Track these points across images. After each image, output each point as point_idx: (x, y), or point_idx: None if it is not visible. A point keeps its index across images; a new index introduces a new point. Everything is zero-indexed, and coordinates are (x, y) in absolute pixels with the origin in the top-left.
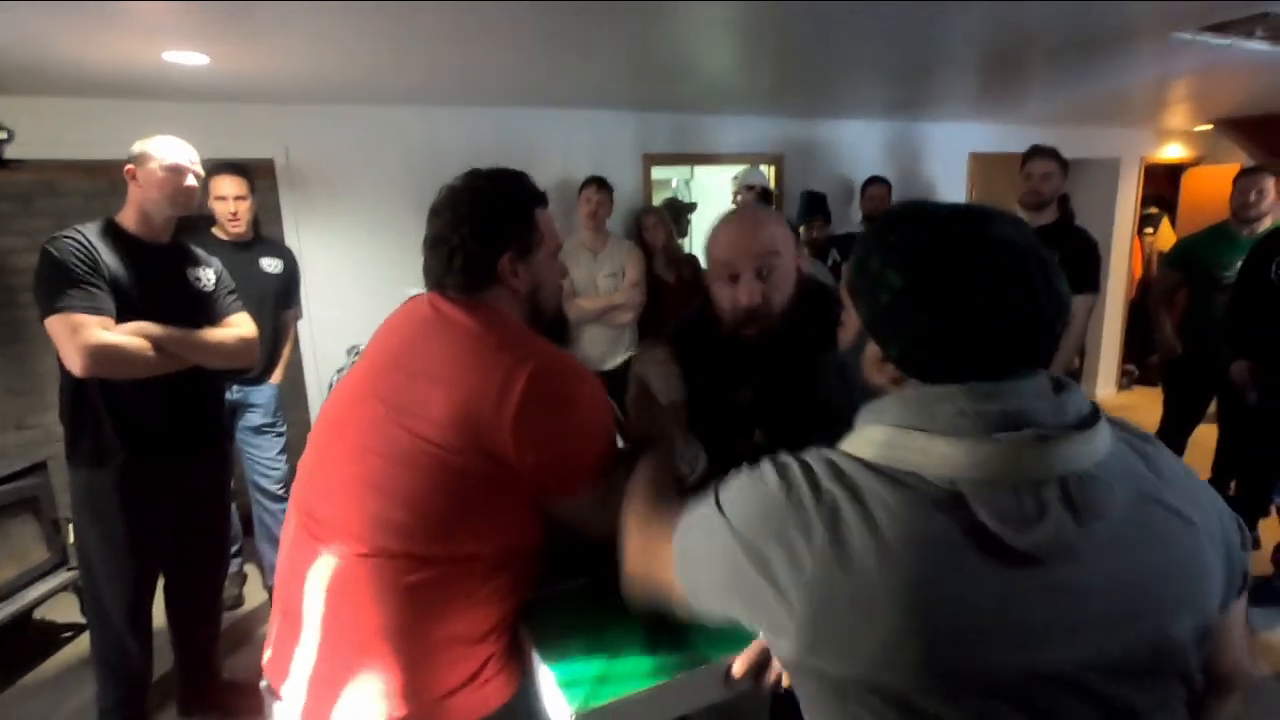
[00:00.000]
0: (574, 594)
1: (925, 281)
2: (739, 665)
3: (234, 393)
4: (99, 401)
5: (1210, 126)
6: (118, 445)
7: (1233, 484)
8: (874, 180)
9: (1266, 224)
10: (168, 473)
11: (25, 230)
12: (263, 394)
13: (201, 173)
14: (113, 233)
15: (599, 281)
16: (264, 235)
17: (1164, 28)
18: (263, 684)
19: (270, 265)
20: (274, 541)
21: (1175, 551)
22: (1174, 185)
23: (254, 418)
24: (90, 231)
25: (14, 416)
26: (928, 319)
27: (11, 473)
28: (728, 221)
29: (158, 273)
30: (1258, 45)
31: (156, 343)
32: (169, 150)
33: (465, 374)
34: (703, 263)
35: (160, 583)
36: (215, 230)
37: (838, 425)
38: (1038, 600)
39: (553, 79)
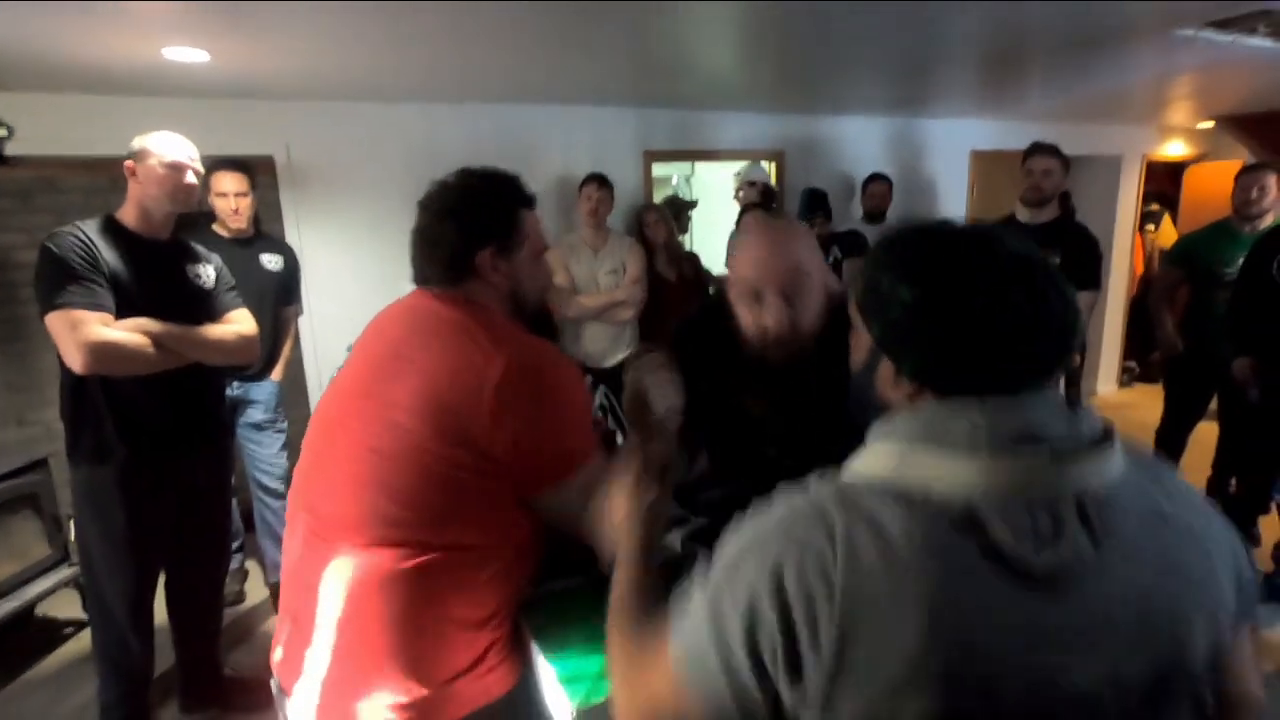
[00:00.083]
0: (575, 590)
1: (936, 293)
2: None
3: (235, 389)
4: (99, 398)
5: (1212, 123)
6: (118, 442)
7: (1233, 481)
8: (875, 177)
9: (1268, 221)
10: (168, 469)
11: (25, 227)
12: (263, 390)
13: (201, 169)
14: (112, 229)
15: (600, 279)
16: (264, 232)
17: (1166, 25)
18: (273, 683)
19: (270, 262)
20: (275, 538)
21: (1188, 573)
22: (1175, 182)
23: (255, 414)
24: (90, 228)
25: (14, 413)
26: (940, 331)
27: (12, 469)
28: (752, 236)
29: (158, 269)
30: (1260, 42)
31: (156, 339)
32: (169, 147)
33: (442, 365)
34: (703, 260)
35: (162, 579)
36: (216, 227)
37: (857, 444)
38: (1055, 620)
39: (553, 76)
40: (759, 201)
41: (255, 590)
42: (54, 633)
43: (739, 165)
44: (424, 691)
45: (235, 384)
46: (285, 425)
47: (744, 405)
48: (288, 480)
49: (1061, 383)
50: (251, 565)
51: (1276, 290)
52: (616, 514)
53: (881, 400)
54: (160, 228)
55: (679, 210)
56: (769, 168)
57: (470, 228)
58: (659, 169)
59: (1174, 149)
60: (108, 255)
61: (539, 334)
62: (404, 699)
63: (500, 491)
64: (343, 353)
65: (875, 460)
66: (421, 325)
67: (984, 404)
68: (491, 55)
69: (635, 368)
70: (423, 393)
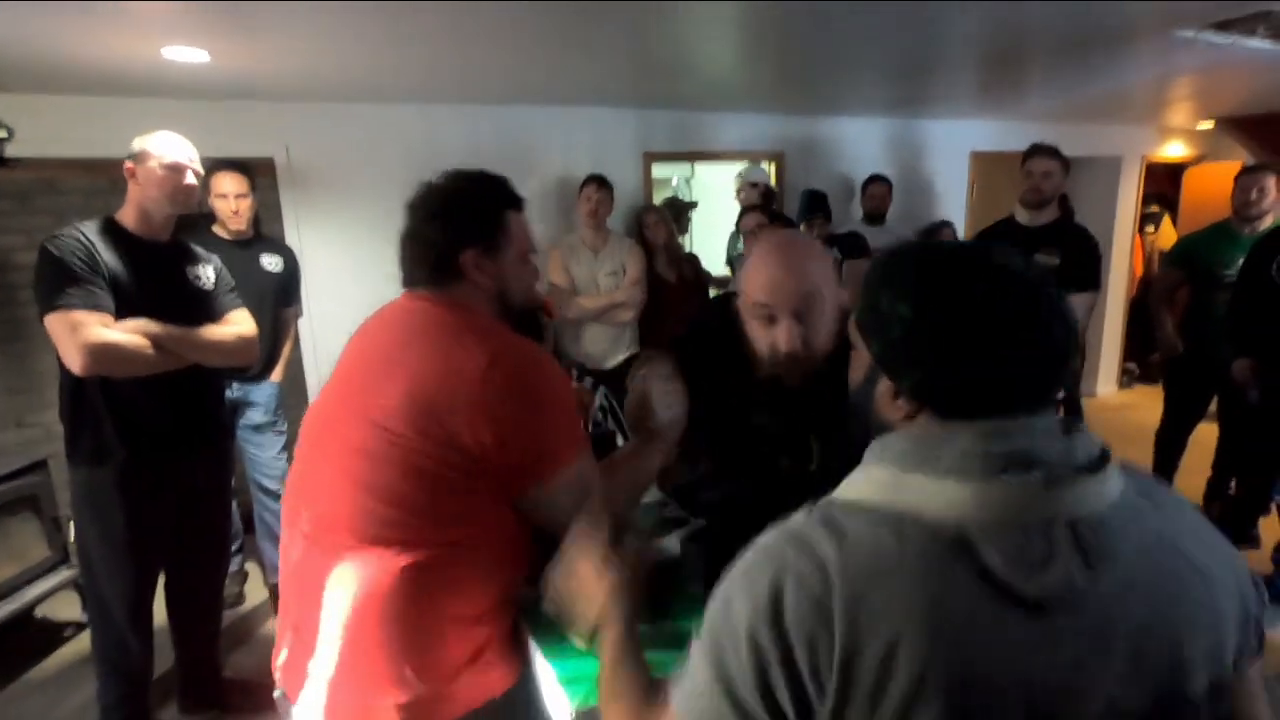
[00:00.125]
0: None
1: (935, 311)
2: None
3: (234, 391)
4: (98, 400)
5: (1212, 125)
6: (117, 443)
7: (1233, 482)
8: (875, 178)
9: (1268, 222)
10: (167, 471)
11: (25, 228)
12: (263, 392)
13: (201, 171)
14: (112, 231)
15: (600, 280)
16: (264, 233)
17: (1166, 26)
18: (277, 694)
19: (270, 263)
20: (275, 539)
21: (1188, 601)
22: (1175, 183)
23: (255, 416)
24: (89, 229)
25: (14, 415)
26: (938, 350)
27: (12, 471)
28: (766, 257)
29: (157, 270)
30: (1260, 44)
31: (156, 341)
32: (168, 148)
33: (427, 365)
34: (703, 261)
35: (161, 580)
36: (215, 228)
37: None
38: (1049, 649)
39: (553, 77)
40: (760, 203)
41: (255, 592)
42: (53, 634)
43: (739, 167)
44: (424, 690)
45: (235, 385)
46: (285, 427)
47: (754, 419)
48: None
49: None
50: (251, 567)
51: (1276, 291)
52: (586, 591)
53: (879, 419)
54: (160, 229)
55: (679, 211)
56: (769, 169)
57: (454, 229)
58: (659, 170)
59: (1174, 150)
60: (107, 257)
61: (526, 335)
62: (405, 698)
63: (487, 489)
64: None
65: (867, 485)
66: (407, 328)
67: (978, 427)
68: (491, 56)
69: (641, 375)
70: (408, 394)
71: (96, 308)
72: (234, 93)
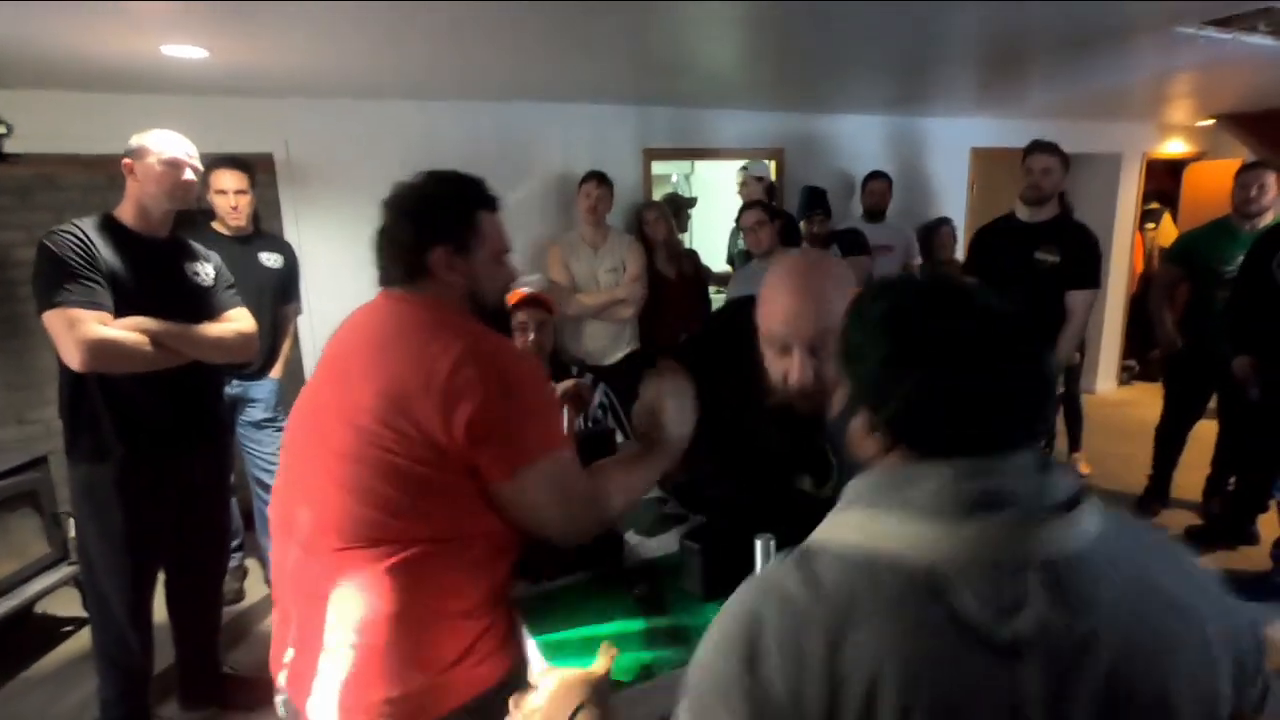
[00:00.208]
0: (572, 589)
1: (911, 345)
2: None
3: (234, 387)
4: (98, 396)
5: (1212, 122)
6: (116, 440)
7: (1232, 479)
8: (875, 175)
9: (1268, 219)
10: (167, 467)
11: (24, 224)
12: (263, 389)
13: (200, 167)
14: (110, 227)
15: (600, 277)
16: (263, 230)
17: (1166, 22)
18: (280, 699)
19: (270, 260)
20: None
21: (1172, 642)
22: (1176, 180)
23: (254, 412)
24: (88, 226)
25: (14, 411)
26: (914, 383)
27: (12, 467)
28: (784, 283)
29: (156, 267)
30: (1260, 40)
31: (155, 338)
32: (167, 144)
33: (398, 363)
34: (703, 258)
35: (161, 577)
36: (215, 225)
37: None
38: (1025, 692)
39: (553, 73)
40: (762, 198)
41: (255, 588)
42: (53, 630)
43: (738, 164)
44: (418, 684)
45: (234, 382)
46: (284, 423)
47: (764, 436)
48: None
49: (1063, 383)
50: (251, 563)
51: (1276, 288)
52: None
53: (853, 454)
54: (159, 225)
55: (678, 208)
56: (769, 166)
57: (424, 228)
58: (658, 167)
59: (1174, 147)
60: (106, 253)
61: (501, 333)
62: (398, 693)
63: (465, 485)
64: None
65: (842, 528)
66: (381, 328)
67: (952, 466)
68: (491, 53)
69: (655, 386)
70: (381, 393)
71: (95, 304)
72: (233, 89)
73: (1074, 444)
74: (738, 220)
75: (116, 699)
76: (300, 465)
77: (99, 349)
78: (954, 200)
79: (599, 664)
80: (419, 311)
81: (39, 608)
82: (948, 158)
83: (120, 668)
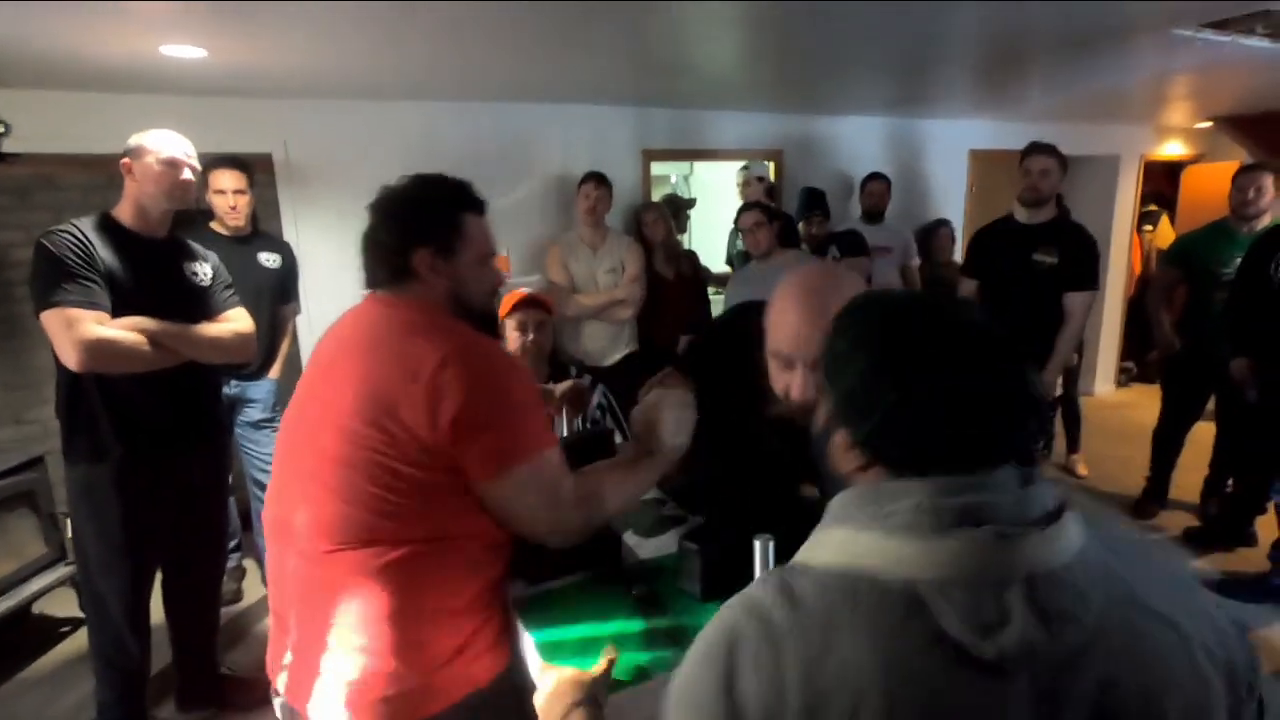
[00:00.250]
0: (571, 590)
1: (889, 361)
2: None
3: (232, 388)
4: (95, 397)
5: (1210, 124)
6: (114, 440)
7: (1230, 481)
8: (873, 176)
9: (1265, 221)
10: (164, 468)
11: (23, 224)
12: (261, 389)
13: (198, 166)
14: (108, 227)
15: (599, 277)
16: (262, 230)
17: (1164, 25)
18: (278, 702)
19: (268, 260)
20: None
21: (1161, 657)
22: (1173, 182)
23: (252, 413)
24: (86, 225)
25: (11, 412)
26: (892, 400)
27: (9, 467)
28: (793, 301)
29: (154, 267)
30: (1258, 43)
31: (152, 337)
32: (165, 144)
33: (383, 366)
34: (701, 259)
35: (159, 577)
36: (214, 225)
37: None
38: (1010, 712)
39: (552, 74)
40: (763, 199)
41: (253, 589)
42: (50, 631)
43: (737, 165)
44: (413, 681)
45: (233, 382)
46: None
47: (767, 443)
48: None
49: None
50: (249, 564)
51: (1274, 290)
52: None
53: (833, 470)
54: (157, 225)
55: (677, 209)
56: (769, 166)
57: (406, 229)
58: (658, 168)
59: (1172, 149)
60: (104, 253)
61: (487, 335)
62: (394, 690)
63: (454, 485)
64: None
65: (822, 547)
66: (366, 330)
67: (931, 482)
68: (490, 54)
69: (656, 394)
70: (367, 395)
71: (92, 304)
72: (232, 89)
73: (1072, 446)
74: (736, 221)
75: (114, 700)
76: (291, 469)
77: (97, 349)
78: (952, 202)
79: (598, 665)
80: (403, 314)
81: (36, 608)
82: (946, 159)
83: (117, 668)
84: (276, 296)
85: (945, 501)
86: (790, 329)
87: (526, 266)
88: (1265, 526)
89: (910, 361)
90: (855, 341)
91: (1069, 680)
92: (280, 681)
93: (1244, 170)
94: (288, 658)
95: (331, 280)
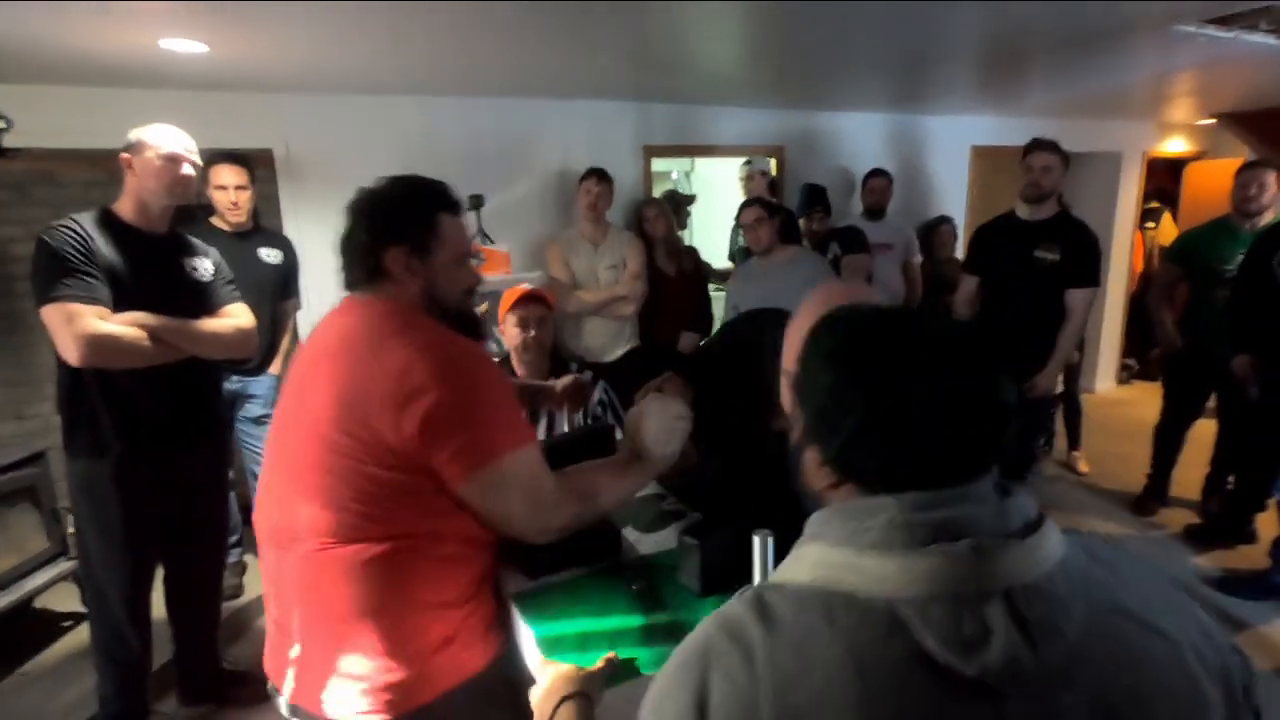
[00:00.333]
0: (570, 585)
1: (856, 378)
2: None
3: (233, 383)
4: (95, 392)
5: (1213, 121)
6: (114, 436)
7: (1231, 478)
8: (875, 173)
9: (1268, 218)
10: (165, 463)
11: (23, 220)
12: (262, 384)
13: (199, 162)
14: (109, 222)
15: (600, 274)
16: (263, 225)
17: (1167, 21)
18: (280, 702)
19: (269, 255)
20: None
21: (1152, 668)
22: (1176, 179)
23: (253, 408)
24: (86, 221)
25: (13, 407)
26: (860, 417)
27: (10, 463)
28: (813, 315)
29: (154, 262)
30: (1261, 39)
31: (153, 333)
32: (165, 139)
33: (353, 369)
34: (702, 255)
35: (160, 573)
36: (214, 220)
37: None
38: None
39: (553, 70)
40: (765, 194)
41: (253, 584)
42: (52, 626)
43: (738, 161)
44: (402, 673)
45: (234, 378)
46: None
47: (770, 449)
48: None
49: (1062, 381)
50: (250, 559)
51: (1275, 287)
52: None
53: (807, 488)
54: (157, 221)
55: (678, 205)
56: (770, 163)
57: (380, 229)
58: (658, 164)
59: (1174, 146)
60: (104, 248)
61: (464, 335)
62: (385, 680)
63: (430, 487)
64: None
65: (799, 565)
66: (341, 333)
67: (905, 498)
68: (492, 49)
69: (650, 400)
70: (339, 400)
71: (93, 299)
72: (233, 84)
73: (1073, 443)
74: (738, 217)
75: (115, 694)
76: (276, 473)
77: (97, 344)
78: (954, 198)
79: (597, 665)
80: (376, 315)
81: (38, 603)
82: (948, 156)
83: (118, 663)
84: (277, 292)
85: (919, 516)
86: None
87: (527, 262)
88: (1266, 524)
89: (876, 377)
90: (823, 358)
91: (1056, 695)
92: (286, 683)
93: (1246, 167)
94: (295, 650)
95: (332, 276)
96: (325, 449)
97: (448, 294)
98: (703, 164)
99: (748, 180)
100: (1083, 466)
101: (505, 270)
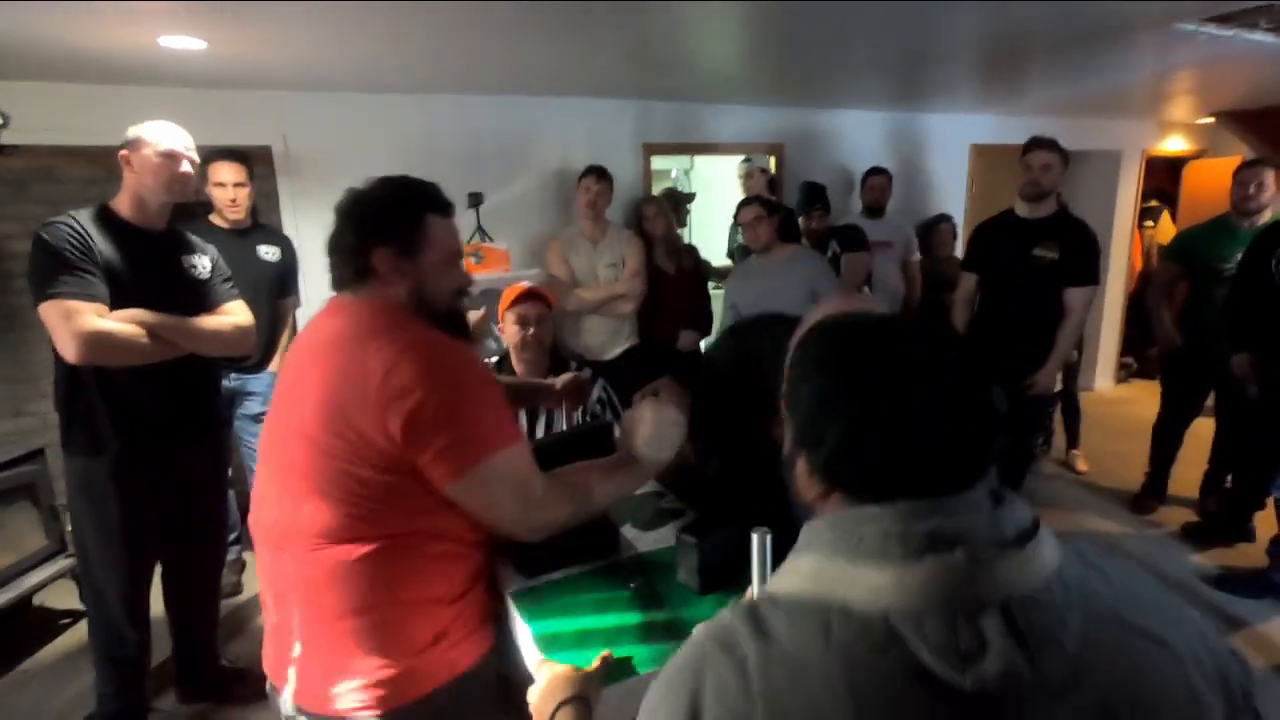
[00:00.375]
0: (569, 583)
1: (840, 386)
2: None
3: (232, 381)
4: (93, 389)
5: (1212, 119)
6: (112, 433)
7: (1229, 477)
8: (874, 171)
9: (1266, 217)
10: (164, 461)
11: (21, 216)
12: (261, 382)
13: (197, 159)
14: (107, 219)
15: (599, 272)
16: (262, 223)
17: (1167, 20)
18: (282, 701)
19: (268, 253)
20: None
21: (1152, 675)
22: (1175, 178)
23: (252, 406)
24: (84, 217)
25: (11, 404)
26: (844, 425)
27: (9, 460)
28: None
29: (152, 259)
30: (1261, 37)
31: (151, 330)
32: (164, 136)
33: (337, 373)
34: (702, 253)
35: (159, 570)
36: (213, 218)
37: None
38: None
39: (553, 68)
40: (764, 191)
41: (252, 582)
42: (51, 623)
43: (738, 159)
44: (393, 669)
45: (233, 376)
46: None
47: (770, 451)
48: None
49: (1060, 379)
50: (249, 556)
51: (1274, 286)
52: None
53: (798, 497)
54: (155, 218)
55: (677, 203)
56: (769, 160)
57: (366, 229)
58: (658, 162)
59: (1174, 144)
60: (102, 245)
61: (453, 336)
62: (374, 678)
63: (419, 487)
64: None
65: (793, 576)
66: (327, 335)
67: (898, 508)
68: (491, 47)
69: (648, 405)
70: (325, 403)
71: (91, 296)
72: (231, 81)
73: (1072, 441)
74: (736, 216)
75: (114, 692)
76: (269, 475)
77: (95, 341)
78: (954, 197)
79: (593, 665)
80: (362, 317)
81: (36, 601)
82: (948, 154)
83: (117, 661)
84: (276, 289)
85: (913, 527)
86: None
87: (527, 260)
88: (1264, 522)
89: (860, 386)
90: (808, 367)
91: (1060, 708)
92: (286, 682)
93: (1245, 165)
94: (297, 649)
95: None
96: (314, 451)
97: (436, 294)
98: (702, 162)
99: (746, 178)
100: (1081, 465)
101: (504, 268)
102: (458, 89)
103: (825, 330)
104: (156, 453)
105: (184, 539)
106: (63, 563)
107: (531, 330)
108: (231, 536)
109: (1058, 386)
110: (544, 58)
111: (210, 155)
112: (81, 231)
